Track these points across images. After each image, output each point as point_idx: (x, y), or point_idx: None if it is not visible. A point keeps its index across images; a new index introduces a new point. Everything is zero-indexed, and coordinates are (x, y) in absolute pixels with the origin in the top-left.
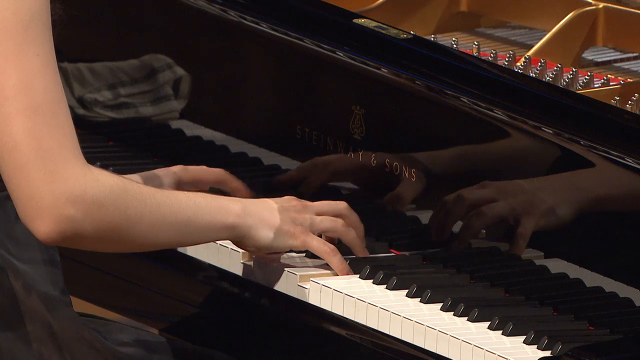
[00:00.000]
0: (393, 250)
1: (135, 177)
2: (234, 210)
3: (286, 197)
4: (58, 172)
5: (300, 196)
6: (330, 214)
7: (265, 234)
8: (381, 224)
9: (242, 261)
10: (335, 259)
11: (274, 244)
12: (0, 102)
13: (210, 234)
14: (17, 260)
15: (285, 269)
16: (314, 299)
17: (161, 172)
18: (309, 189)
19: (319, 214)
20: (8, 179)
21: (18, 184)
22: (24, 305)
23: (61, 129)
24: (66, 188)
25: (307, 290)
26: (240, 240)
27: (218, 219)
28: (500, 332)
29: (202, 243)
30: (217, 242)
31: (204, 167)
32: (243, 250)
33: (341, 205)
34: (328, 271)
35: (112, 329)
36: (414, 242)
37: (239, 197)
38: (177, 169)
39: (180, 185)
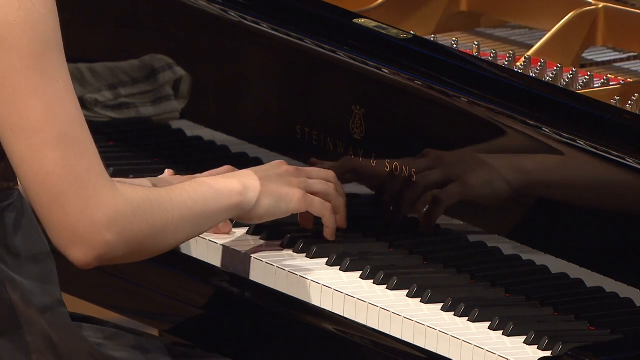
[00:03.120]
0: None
1: (145, 181)
2: (235, 189)
3: (275, 163)
4: (92, 198)
5: None
6: (321, 179)
7: (267, 203)
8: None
9: (242, 260)
10: (332, 217)
11: (276, 210)
12: (28, 134)
13: (219, 218)
14: (14, 272)
15: (287, 269)
16: (314, 299)
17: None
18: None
19: (310, 178)
20: (40, 208)
21: (52, 212)
22: (23, 317)
23: (88, 153)
24: (101, 214)
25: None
26: (244, 214)
27: (224, 203)
28: (501, 332)
29: (212, 228)
30: (217, 242)
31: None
32: (244, 251)
33: (330, 173)
34: None
35: (110, 334)
36: (414, 242)
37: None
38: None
39: None
